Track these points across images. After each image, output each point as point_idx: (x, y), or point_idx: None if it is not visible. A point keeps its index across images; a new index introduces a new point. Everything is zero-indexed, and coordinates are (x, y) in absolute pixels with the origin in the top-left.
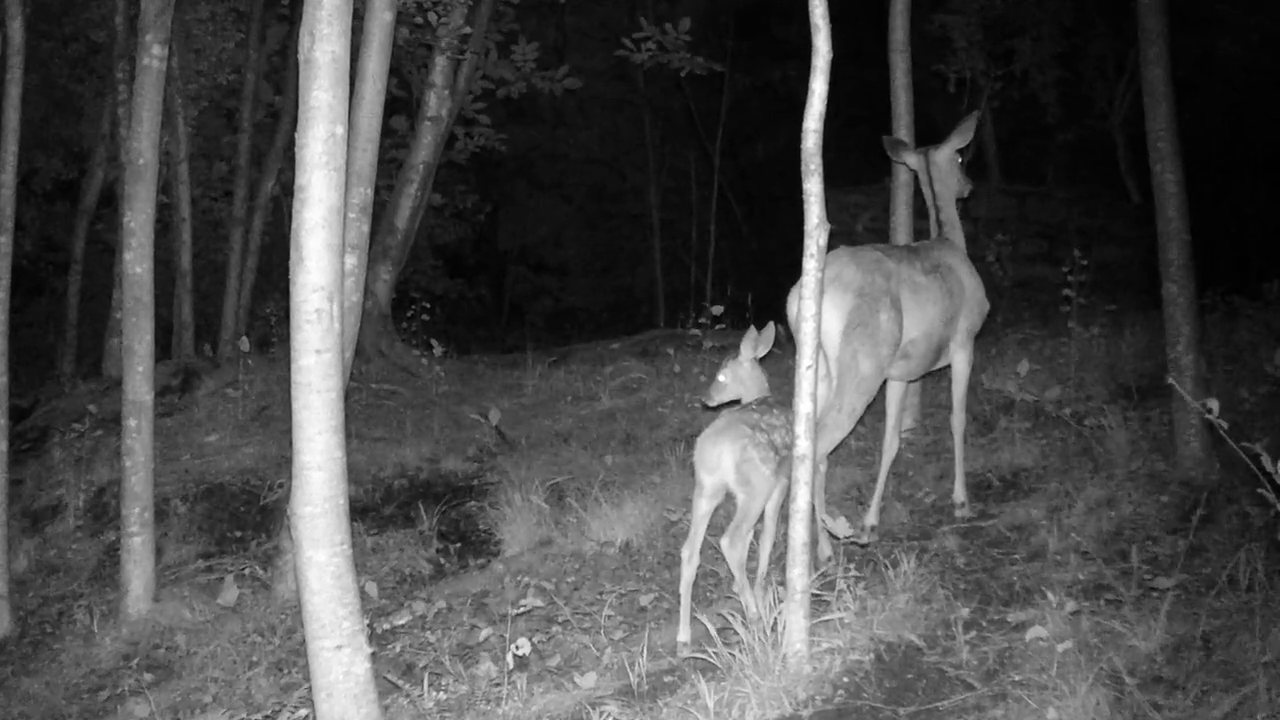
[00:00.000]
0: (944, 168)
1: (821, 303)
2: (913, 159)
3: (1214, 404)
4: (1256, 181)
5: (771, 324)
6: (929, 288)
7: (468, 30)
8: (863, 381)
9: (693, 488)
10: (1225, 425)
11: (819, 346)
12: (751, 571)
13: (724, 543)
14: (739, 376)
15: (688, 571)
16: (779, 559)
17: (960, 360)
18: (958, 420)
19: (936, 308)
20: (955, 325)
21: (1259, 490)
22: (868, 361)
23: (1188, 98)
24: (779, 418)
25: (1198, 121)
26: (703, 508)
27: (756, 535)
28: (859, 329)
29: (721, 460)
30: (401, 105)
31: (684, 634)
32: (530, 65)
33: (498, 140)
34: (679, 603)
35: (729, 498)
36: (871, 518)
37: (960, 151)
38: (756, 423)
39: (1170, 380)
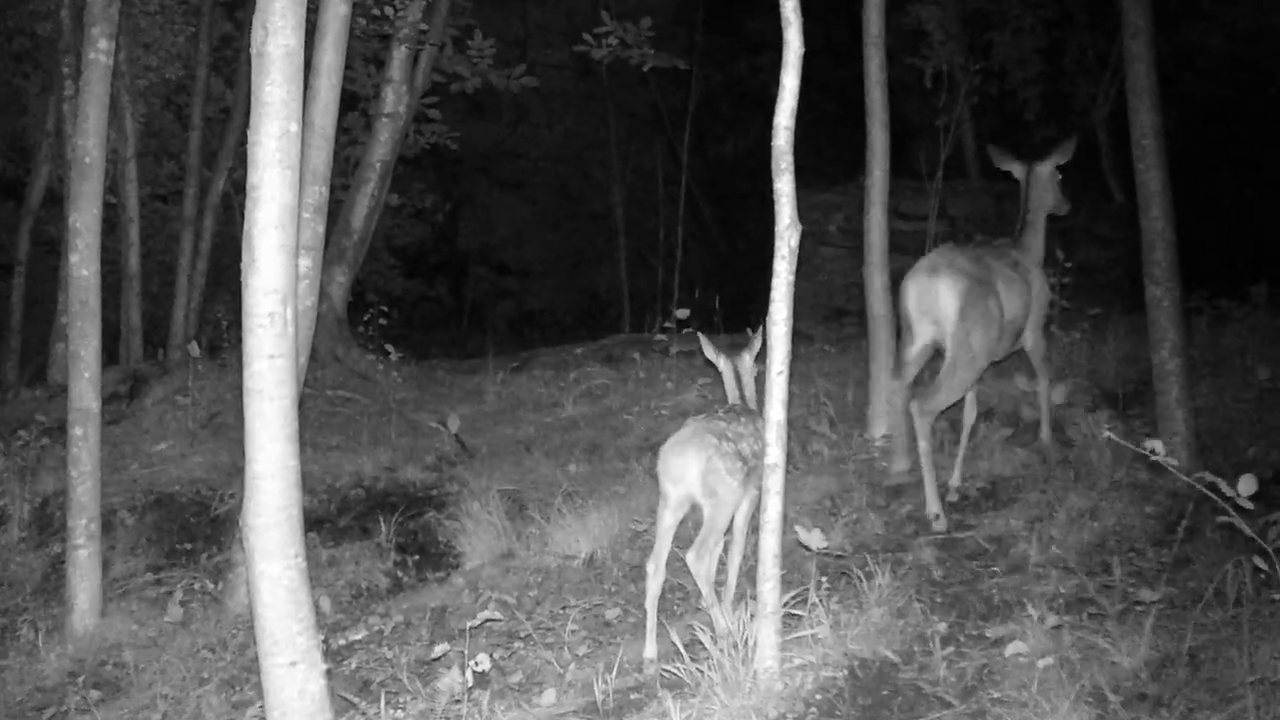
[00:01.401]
0: (1044, 181)
1: (790, 309)
2: (1017, 169)
3: (1159, 445)
4: (1243, 181)
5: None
6: (1014, 280)
7: (424, 28)
8: (976, 356)
9: (659, 498)
10: (1175, 463)
11: (790, 352)
12: (720, 585)
13: (690, 556)
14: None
15: (653, 586)
16: (749, 571)
17: (1031, 339)
18: (1043, 385)
19: (1020, 299)
20: (1027, 317)
21: (1222, 519)
22: (980, 338)
23: (1172, 94)
24: (747, 426)
25: (1183, 118)
26: (667, 520)
27: (725, 548)
28: (972, 310)
29: (687, 471)
30: (355, 101)
31: (650, 650)
32: (486, 61)
33: (450, 137)
34: (645, 617)
35: (696, 509)
36: (955, 479)
37: (1060, 169)
38: (723, 431)
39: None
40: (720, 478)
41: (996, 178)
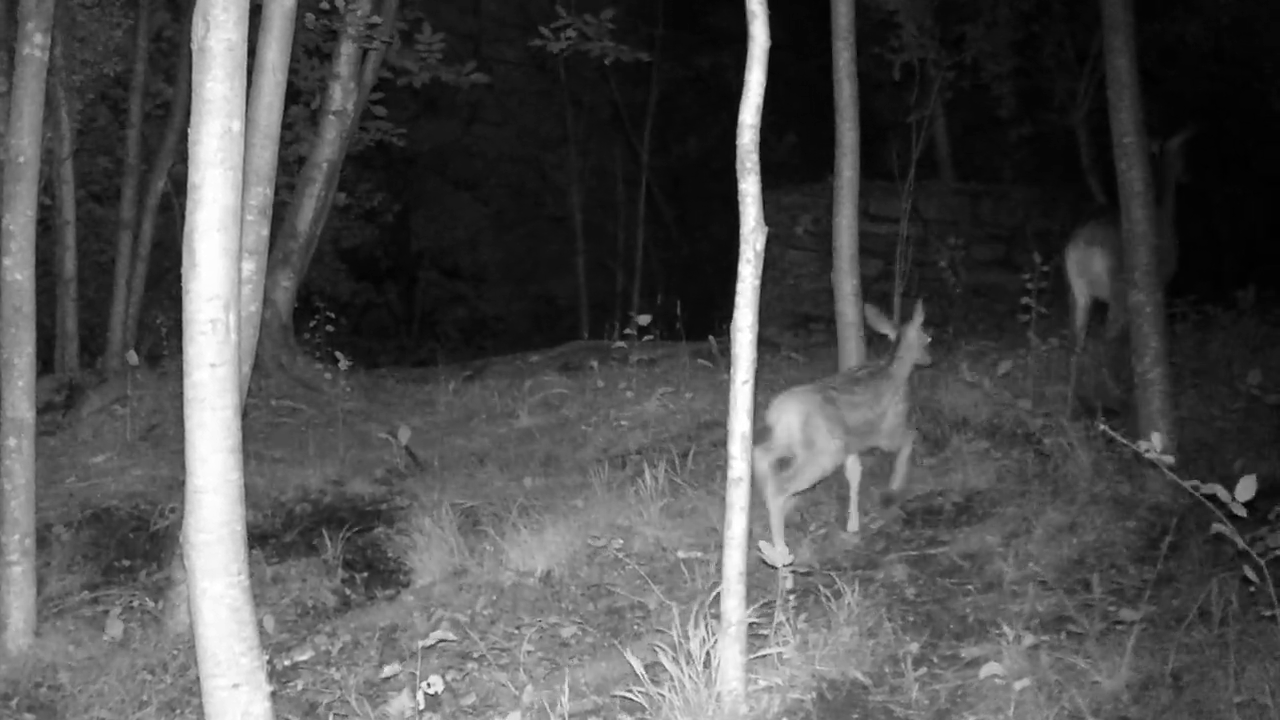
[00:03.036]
0: (1173, 155)
1: (755, 316)
2: (1153, 145)
3: (1157, 439)
4: (1231, 179)
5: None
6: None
7: (377, 20)
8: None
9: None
10: (1171, 461)
11: (755, 361)
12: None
13: (770, 489)
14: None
15: (775, 505)
16: (711, 589)
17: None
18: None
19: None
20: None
21: (1217, 526)
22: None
23: (1154, 90)
24: (864, 395)
25: (1166, 115)
26: (763, 462)
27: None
28: (1120, 271)
29: (784, 419)
30: (299, 95)
31: (780, 549)
32: (436, 56)
33: (397, 134)
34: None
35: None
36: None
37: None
38: (833, 397)
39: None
40: (820, 433)
41: (970, 177)
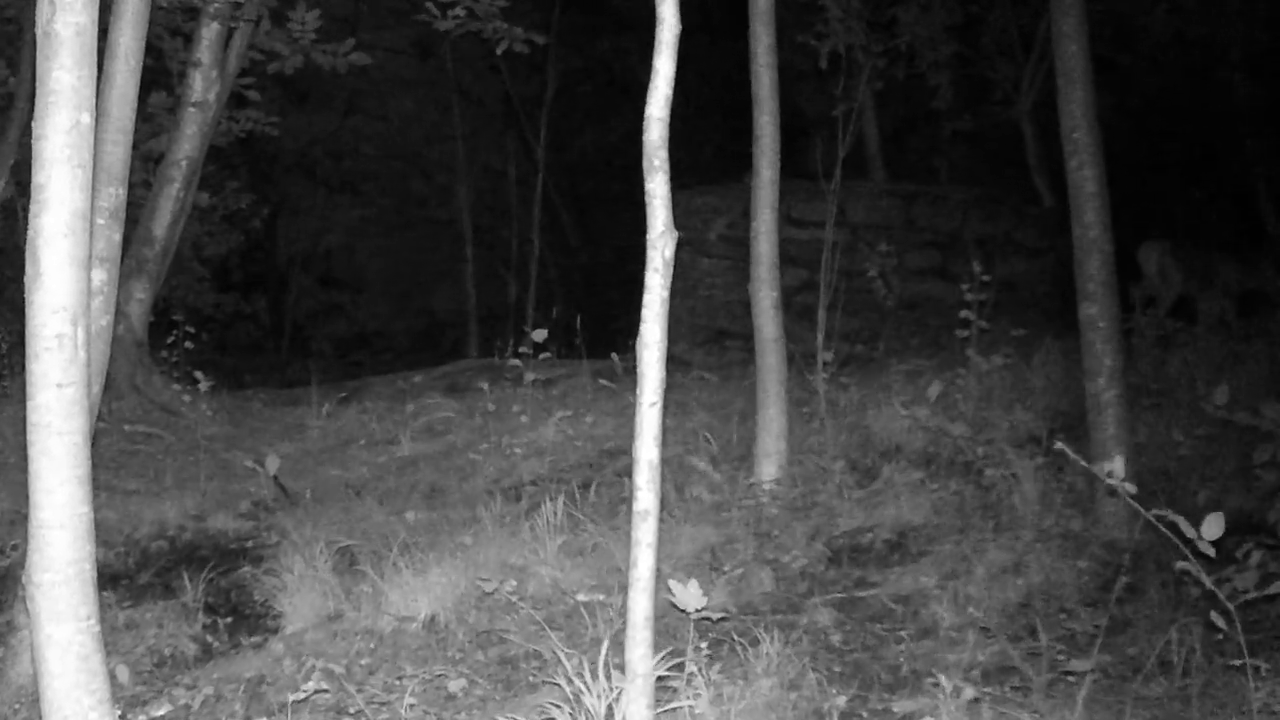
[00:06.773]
0: None
1: (663, 331)
2: None
3: (1119, 465)
4: (1191, 180)
5: None
6: None
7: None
8: None
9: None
10: (1133, 490)
11: (664, 380)
12: None
13: None
14: None
15: None
16: (616, 635)
17: None
18: None
19: None
20: None
21: (1181, 564)
22: None
23: (1107, 78)
24: None
25: (1119, 107)
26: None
27: None
28: None
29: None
30: (158, 81)
31: None
32: (309, 37)
33: (269, 124)
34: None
35: None
36: None
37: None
38: None
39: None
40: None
41: (903, 177)
